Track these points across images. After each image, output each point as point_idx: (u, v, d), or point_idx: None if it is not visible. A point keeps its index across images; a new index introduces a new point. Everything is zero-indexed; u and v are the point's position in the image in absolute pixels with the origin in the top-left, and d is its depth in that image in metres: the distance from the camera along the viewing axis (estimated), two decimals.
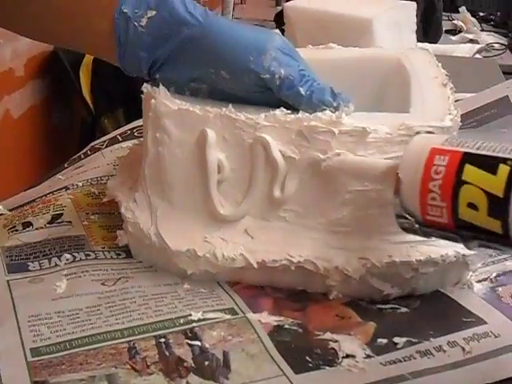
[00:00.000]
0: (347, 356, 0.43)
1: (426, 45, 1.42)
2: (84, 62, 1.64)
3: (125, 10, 0.48)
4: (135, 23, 0.48)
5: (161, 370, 0.41)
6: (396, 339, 0.44)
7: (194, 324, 0.45)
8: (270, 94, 0.49)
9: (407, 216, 0.42)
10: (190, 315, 0.46)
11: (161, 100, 0.49)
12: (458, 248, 0.48)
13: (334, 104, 0.48)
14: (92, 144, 0.78)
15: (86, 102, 1.68)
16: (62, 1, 0.51)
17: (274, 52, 0.47)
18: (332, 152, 0.46)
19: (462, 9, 1.91)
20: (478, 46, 1.45)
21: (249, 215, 0.49)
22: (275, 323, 0.46)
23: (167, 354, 0.42)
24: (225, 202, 0.49)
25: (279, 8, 2.15)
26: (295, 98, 0.48)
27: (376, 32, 0.99)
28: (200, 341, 0.44)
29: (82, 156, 0.76)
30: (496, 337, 0.45)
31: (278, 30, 1.36)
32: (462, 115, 0.83)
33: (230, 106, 0.47)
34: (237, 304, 0.48)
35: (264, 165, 0.47)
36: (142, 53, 0.49)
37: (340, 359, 0.43)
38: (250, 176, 0.48)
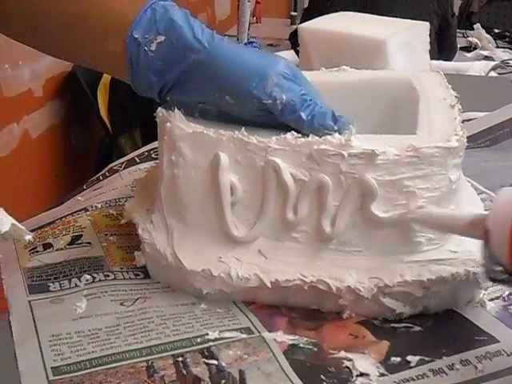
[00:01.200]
0: (361, 374, 0.44)
1: (441, 62, 1.43)
2: (101, 83, 1.67)
3: (135, 36, 0.50)
4: (145, 48, 0.50)
5: None
6: (409, 358, 0.45)
7: (211, 343, 0.46)
8: (275, 118, 0.50)
9: (496, 266, 0.43)
10: (207, 334, 0.47)
11: (176, 123, 0.50)
12: (469, 266, 0.49)
13: (335, 128, 0.49)
14: (110, 166, 0.80)
15: (103, 122, 1.70)
16: (77, 20, 0.52)
17: (275, 77, 0.49)
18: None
19: (477, 26, 1.92)
20: (492, 63, 1.45)
21: (262, 236, 0.50)
22: (290, 342, 0.47)
23: (185, 372, 0.44)
24: (239, 223, 0.50)
25: (294, 27, 2.17)
26: (297, 123, 0.49)
27: (389, 52, 1.00)
28: (217, 360, 0.45)
29: (101, 177, 0.78)
30: (508, 355, 0.45)
31: (292, 51, 1.37)
32: (475, 134, 0.85)
33: (243, 129, 0.49)
34: (252, 323, 0.49)
35: (276, 187, 0.48)
36: (153, 76, 0.51)
37: (354, 378, 0.43)
38: (262, 198, 0.49)
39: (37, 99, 1.58)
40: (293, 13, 2.80)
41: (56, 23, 0.53)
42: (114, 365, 0.44)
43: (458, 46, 1.84)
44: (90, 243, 0.59)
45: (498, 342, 0.47)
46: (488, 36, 1.88)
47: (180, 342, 0.46)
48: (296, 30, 1.14)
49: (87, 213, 0.65)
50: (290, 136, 0.48)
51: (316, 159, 0.47)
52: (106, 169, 0.79)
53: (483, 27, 1.95)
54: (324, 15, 1.18)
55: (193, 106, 0.52)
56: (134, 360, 0.44)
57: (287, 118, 0.50)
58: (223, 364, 0.44)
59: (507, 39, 1.92)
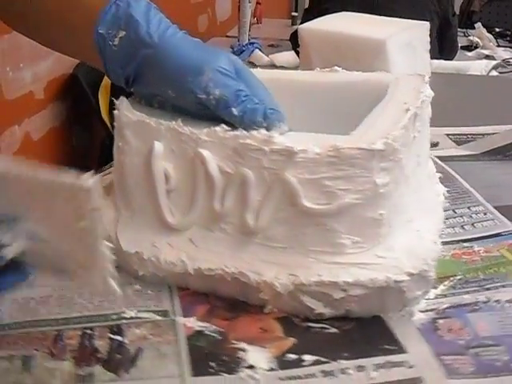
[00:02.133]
0: (250, 366, 0.44)
1: (442, 62, 1.40)
2: (103, 84, 1.67)
3: (101, 31, 0.53)
4: (110, 42, 0.52)
5: (74, 357, 0.45)
6: (306, 357, 0.45)
7: (124, 321, 0.48)
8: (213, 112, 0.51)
9: None
10: (124, 313, 0.49)
11: (122, 111, 0.53)
12: (391, 273, 0.48)
13: (264, 124, 0.50)
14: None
15: (105, 124, 1.68)
16: (59, 15, 0.55)
17: (211, 73, 0.50)
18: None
19: (478, 25, 1.88)
20: (493, 62, 1.40)
21: (195, 224, 0.51)
22: (198, 328, 0.48)
23: (87, 344, 0.46)
24: (175, 210, 0.52)
25: (295, 27, 2.14)
26: (230, 118, 0.50)
27: (390, 53, 0.98)
28: (122, 336, 0.47)
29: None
30: (410, 367, 0.44)
31: (293, 51, 1.36)
32: (490, 150, 0.81)
33: (179, 120, 0.51)
34: (173, 307, 0.50)
35: (204, 178, 0.50)
36: (118, 69, 0.53)
37: (242, 368, 0.44)
38: (193, 188, 0.50)
39: (38, 101, 1.57)
40: (293, 13, 2.73)
41: (45, 18, 0.57)
42: (27, 330, 0.47)
43: (459, 45, 1.80)
44: None
45: (406, 353, 0.45)
46: (489, 35, 1.81)
47: (97, 317, 0.49)
48: (297, 31, 1.13)
49: None
50: (220, 129, 0.50)
51: (240, 153, 0.48)
52: (108, 170, 0.83)
53: (484, 26, 1.90)
54: (324, 15, 1.17)
55: (151, 97, 0.54)
56: (47, 328, 0.47)
57: (220, 112, 0.51)
58: (126, 341, 0.46)
59: (508, 38, 1.83)
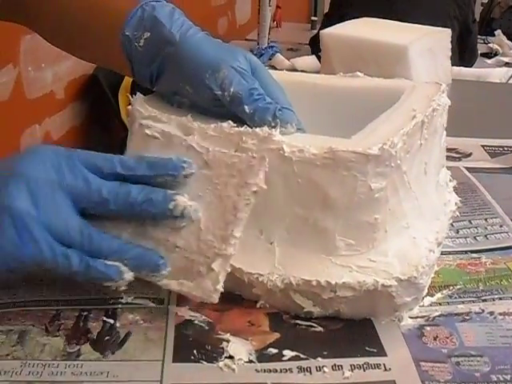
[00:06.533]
0: (230, 357, 0.45)
1: (461, 69, 1.38)
2: (123, 85, 1.68)
3: (127, 33, 0.55)
4: (136, 44, 0.55)
5: (66, 335, 0.47)
6: (286, 352, 0.46)
7: (120, 306, 0.51)
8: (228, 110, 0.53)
9: None
10: (122, 298, 0.51)
11: (136, 107, 0.55)
12: (380, 277, 0.48)
13: (272, 124, 0.51)
14: None
15: (124, 124, 1.67)
16: (86, 21, 0.59)
17: (227, 70, 0.52)
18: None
19: (498, 32, 1.85)
20: None
21: None
22: (188, 318, 0.50)
23: (81, 324, 0.49)
24: None
25: (314, 31, 2.10)
26: (242, 115, 0.52)
27: (411, 58, 0.98)
28: (114, 320, 0.49)
29: None
30: (386, 370, 0.44)
31: (313, 56, 1.35)
32: None
33: (189, 115, 0.52)
34: (169, 296, 0.52)
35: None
36: (144, 68, 0.56)
37: (222, 358, 0.45)
38: None
39: (59, 101, 1.59)
40: (313, 18, 2.70)
41: (73, 24, 0.60)
42: (28, 308, 0.50)
43: (479, 52, 1.77)
44: None
45: (385, 356, 0.46)
46: (509, 42, 1.78)
47: (95, 301, 0.51)
48: (316, 35, 1.13)
49: None
50: (226, 125, 0.51)
51: (243, 149, 0.50)
52: None
53: (504, 33, 1.86)
54: (345, 21, 1.16)
55: (171, 96, 0.56)
56: (47, 307, 0.50)
57: (234, 109, 0.52)
58: (117, 324, 0.49)
59: None
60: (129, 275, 0.47)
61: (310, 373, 0.44)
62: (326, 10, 2.17)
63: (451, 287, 0.54)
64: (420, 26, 1.09)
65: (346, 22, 1.13)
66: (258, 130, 0.50)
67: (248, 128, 0.50)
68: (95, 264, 0.46)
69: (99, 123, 1.77)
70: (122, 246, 0.48)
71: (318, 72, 1.14)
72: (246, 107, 0.52)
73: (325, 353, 0.46)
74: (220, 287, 0.46)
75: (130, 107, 0.56)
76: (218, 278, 0.46)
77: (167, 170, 0.49)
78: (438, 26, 1.10)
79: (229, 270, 0.47)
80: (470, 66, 1.51)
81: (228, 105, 0.52)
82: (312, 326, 0.49)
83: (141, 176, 0.49)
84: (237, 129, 0.51)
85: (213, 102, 0.53)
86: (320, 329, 0.49)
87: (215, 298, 0.47)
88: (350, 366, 0.45)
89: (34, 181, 0.46)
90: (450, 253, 0.60)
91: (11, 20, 0.66)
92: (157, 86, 0.56)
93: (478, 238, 0.63)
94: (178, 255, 0.48)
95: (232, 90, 0.51)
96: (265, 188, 0.47)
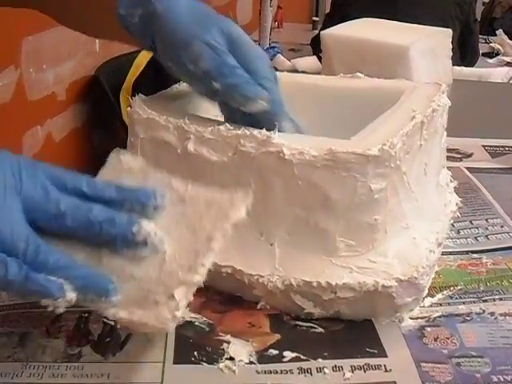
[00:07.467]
0: (230, 358, 0.45)
1: (463, 68, 1.39)
2: (124, 87, 1.67)
3: (121, 12, 0.54)
4: (130, 20, 0.54)
5: (67, 337, 0.47)
6: (286, 353, 0.46)
7: None
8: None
9: None
10: None
11: (135, 109, 0.55)
12: (380, 278, 0.48)
13: (242, 100, 0.50)
14: None
15: (125, 126, 1.63)
16: None
17: (198, 45, 0.51)
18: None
19: (500, 31, 1.85)
20: None
21: None
22: (189, 319, 0.50)
23: (81, 326, 0.49)
24: None
25: (316, 32, 2.10)
26: (212, 91, 0.51)
27: (412, 59, 0.98)
28: (115, 322, 0.49)
29: None
30: (386, 371, 0.44)
31: (314, 56, 1.35)
32: None
33: (186, 118, 0.52)
34: None
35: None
36: (145, 42, 0.55)
37: (223, 360, 0.45)
38: None
39: (60, 103, 1.57)
40: (314, 18, 2.73)
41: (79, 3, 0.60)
42: (29, 310, 0.50)
43: (480, 51, 1.78)
44: None
45: (386, 357, 0.46)
46: (510, 42, 1.77)
47: None
48: (317, 36, 1.13)
49: None
50: (223, 127, 0.51)
51: (240, 151, 0.50)
52: None
53: (506, 33, 1.87)
54: (346, 21, 1.16)
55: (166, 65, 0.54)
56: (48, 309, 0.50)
57: (208, 87, 0.51)
58: (118, 326, 0.49)
59: None
60: (71, 294, 0.41)
61: (311, 374, 0.44)
62: (328, 11, 2.18)
63: (452, 288, 0.54)
64: (421, 26, 1.10)
65: (347, 22, 1.13)
66: (256, 132, 0.50)
67: (246, 131, 0.50)
68: (36, 276, 0.40)
69: (101, 125, 1.76)
70: (70, 262, 0.42)
71: (318, 73, 1.13)
72: (214, 84, 0.50)
73: (325, 354, 0.46)
74: (179, 314, 0.40)
75: (129, 109, 0.56)
76: (179, 306, 0.40)
77: (137, 196, 0.44)
78: (439, 26, 1.10)
79: (191, 299, 0.41)
80: (472, 66, 1.52)
81: (201, 82, 0.51)
82: (312, 327, 0.49)
83: (107, 198, 0.44)
84: (234, 131, 0.51)
85: (191, 79, 0.53)
86: (320, 330, 0.49)
87: (171, 327, 0.40)
88: (351, 366, 0.45)
89: None
90: (450, 253, 0.60)
91: (19, 5, 0.65)
92: (159, 58, 0.55)
93: (478, 238, 0.63)
94: (133, 286, 0.42)
95: (202, 65, 0.50)
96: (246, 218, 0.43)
